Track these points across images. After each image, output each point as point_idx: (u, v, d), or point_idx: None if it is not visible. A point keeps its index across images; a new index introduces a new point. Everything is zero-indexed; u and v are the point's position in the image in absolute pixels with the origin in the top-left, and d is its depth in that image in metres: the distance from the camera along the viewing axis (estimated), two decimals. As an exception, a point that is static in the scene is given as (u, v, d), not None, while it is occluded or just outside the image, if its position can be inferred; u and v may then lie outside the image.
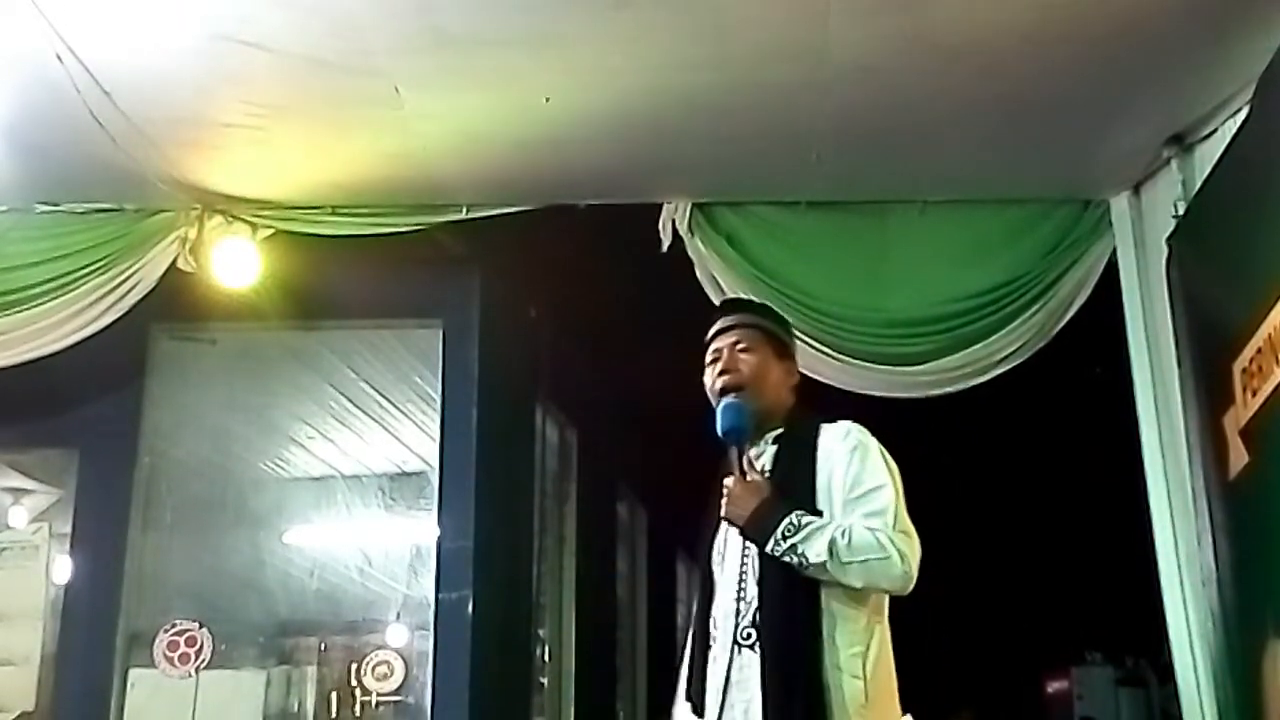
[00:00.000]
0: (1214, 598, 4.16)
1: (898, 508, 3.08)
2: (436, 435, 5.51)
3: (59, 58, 4.01)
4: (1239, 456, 3.88)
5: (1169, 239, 4.55)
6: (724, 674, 3.05)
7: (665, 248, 5.01)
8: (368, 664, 5.42)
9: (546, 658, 6.54)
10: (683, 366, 6.50)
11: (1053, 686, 10.15)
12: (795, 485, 3.13)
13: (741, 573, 3.13)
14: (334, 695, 5.45)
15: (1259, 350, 3.69)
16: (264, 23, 3.93)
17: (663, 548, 8.95)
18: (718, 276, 4.96)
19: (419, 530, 5.64)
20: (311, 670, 5.50)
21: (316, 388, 5.94)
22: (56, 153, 4.64)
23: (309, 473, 6.23)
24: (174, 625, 5.30)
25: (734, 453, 3.18)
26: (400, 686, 5.39)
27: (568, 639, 6.69)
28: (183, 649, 5.26)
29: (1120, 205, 4.94)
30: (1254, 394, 3.74)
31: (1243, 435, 3.85)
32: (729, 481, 3.15)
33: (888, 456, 3.19)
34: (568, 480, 6.95)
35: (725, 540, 3.23)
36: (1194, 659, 4.42)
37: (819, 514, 3.07)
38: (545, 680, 6.52)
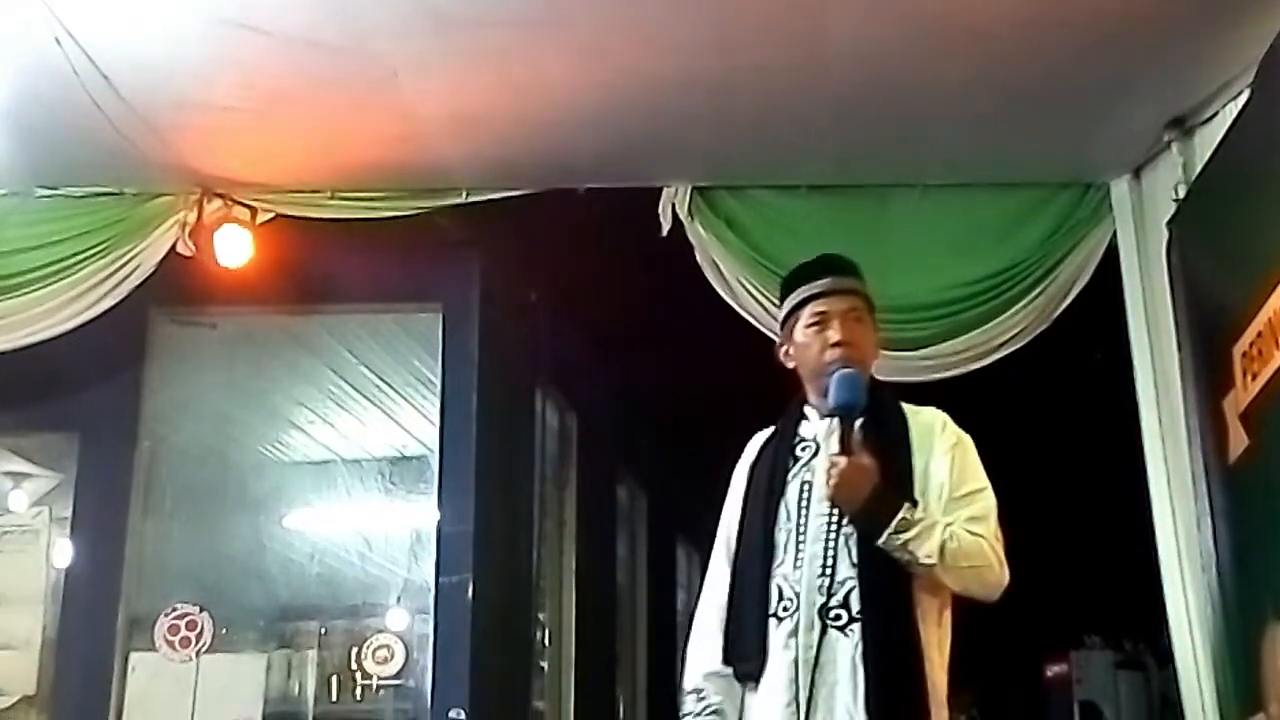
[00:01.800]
0: (1213, 582, 4.16)
1: (995, 514, 3.04)
2: (436, 419, 5.51)
3: (57, 41, 4.01)
4: (1239, 440, 3.88)
5: (1169, 223, 4.54)
6: (813, 653, 2.93)
7: (665, 232, 5.01)
8: (368, 648, 5.43)
9: (546, 641, 6.55)
10: (682, 351, 6.52)
11: (1052, 670, 10.17)
12: (893, 471, 3.00)
13: (829, 549, 2.99)
14: (334, 679, 5.47)
15: (1259, 334, 3.69)
16: (262, 6, 3.92)
17: (663, 532, 8.95)
18: (718, 260, 4.95)
19: (419, 514, 5.64)
20: (312, 654, 5.51)
21: (316, 372, 5.94)
22: (55, 136, 4.63)
23: (309, 457, 6.24)
24: (175, 609, 5.30)
25: (838, 428, 3.00)
26: (400, 670, 5.40)
27: (567, 623, 6.70)
28: (183, 633, 5.27)
29: (1120, 189, 4.93)
30: (1254, 378, 3.74)
31: (1243, 419, 3.85)
32: (838, 460, 2.95)
33: None
34: (567, 464, 6.95)
35: (801, 508, 3.08)
36: (1193, 643, 4.42)
37: (915, 503, 2.99)
38: (545, 664, 6.53)
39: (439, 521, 5.41)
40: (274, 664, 5.42)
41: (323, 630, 5.58)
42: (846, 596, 2.95)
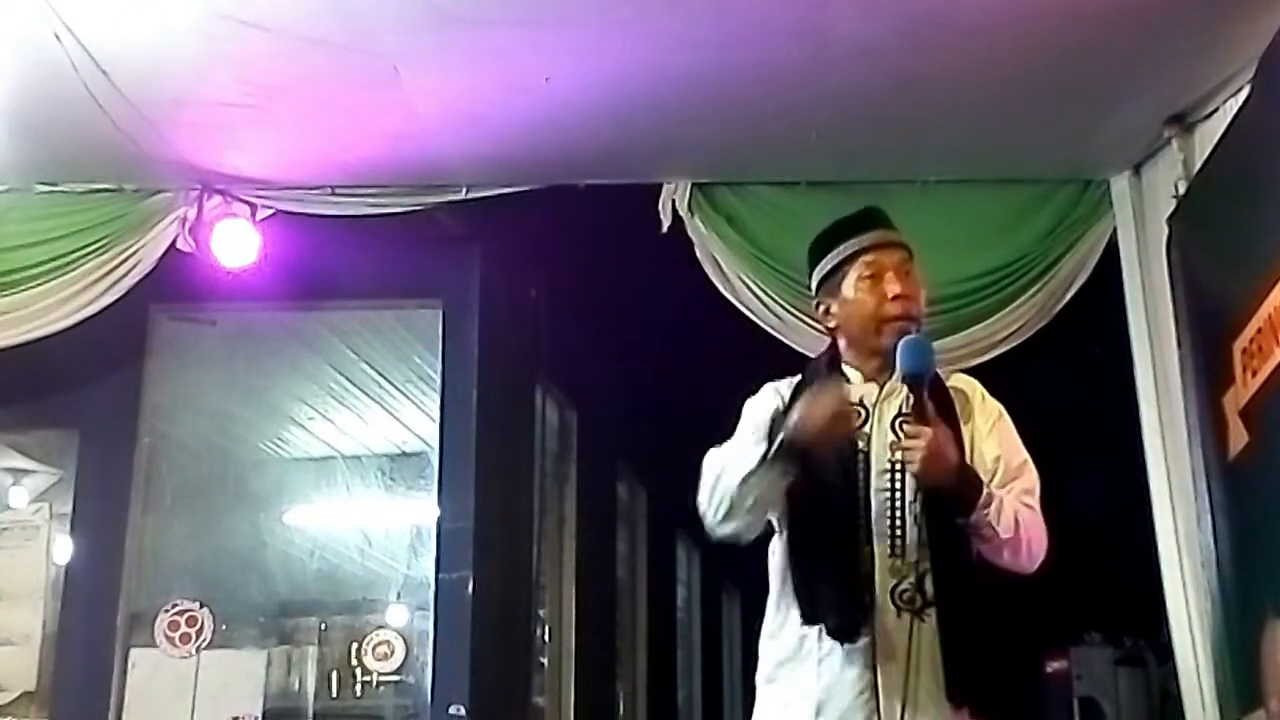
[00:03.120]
0: (1213, 578, 4.16)
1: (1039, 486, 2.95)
2: (436, 416, 5.52)
3: (57, 37, 4.00)
4: (1239, 437, 3.88)
5: (1169, 219, 4.54)
6: (890, 637, 2.79)
7: (665, 228, 5.01)
8: (368, 644, 5.43)
9: (546, 637, 6.55)
10: (682, 347, 6.51)
11: (1051, 666, 10.16)
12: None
13: (896, 528, 2.83)
14: (334, 675, 5.47)
15: (1259, 330, 3.69)
16: (263, 2, 3.91)
17: (663, 528, 8.96)
18: (717, 257, 4.95)
19: (419, 510, 5.65)
20: (312, 650, 5.52)
21: (316, 368, 5.95)
22: (55, 133, 4.62)
23: (309, 453, 6.25)
24: (175, 605, 5.31)
25: (908, 395, 2.82)
26: (400, 666, 5.41)
27: (568, 619, 6.70)
28: (183, 629, 5.28)
29: (1121, 185, 4.93)
30: (1254, 374, 3.74)
31: (1243, 415, 3.85)
32: (922, 430, 2.73)
33: None
34: (567, 460, 6.96)
35: (865, 480, 2.88)
36: (1193, 639, 4.42)
37: None
38: (545, 660, 6.54)
39: (439, 518, 5.41)
40: (274, 660, 5.42)
41: (323, 626, 5.58)
42: (920, 579, 2.82)
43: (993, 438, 2.96)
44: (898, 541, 2.84)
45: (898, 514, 2.85)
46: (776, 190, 5.04)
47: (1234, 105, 4.22)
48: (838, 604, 2.84)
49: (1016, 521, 2.82)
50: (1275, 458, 3.64)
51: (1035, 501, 2.93)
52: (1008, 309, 4.88)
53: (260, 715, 5.24)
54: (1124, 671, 9.50)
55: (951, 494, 2.78)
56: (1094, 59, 4.22)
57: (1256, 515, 3.81)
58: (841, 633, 2.83)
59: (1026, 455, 2.99)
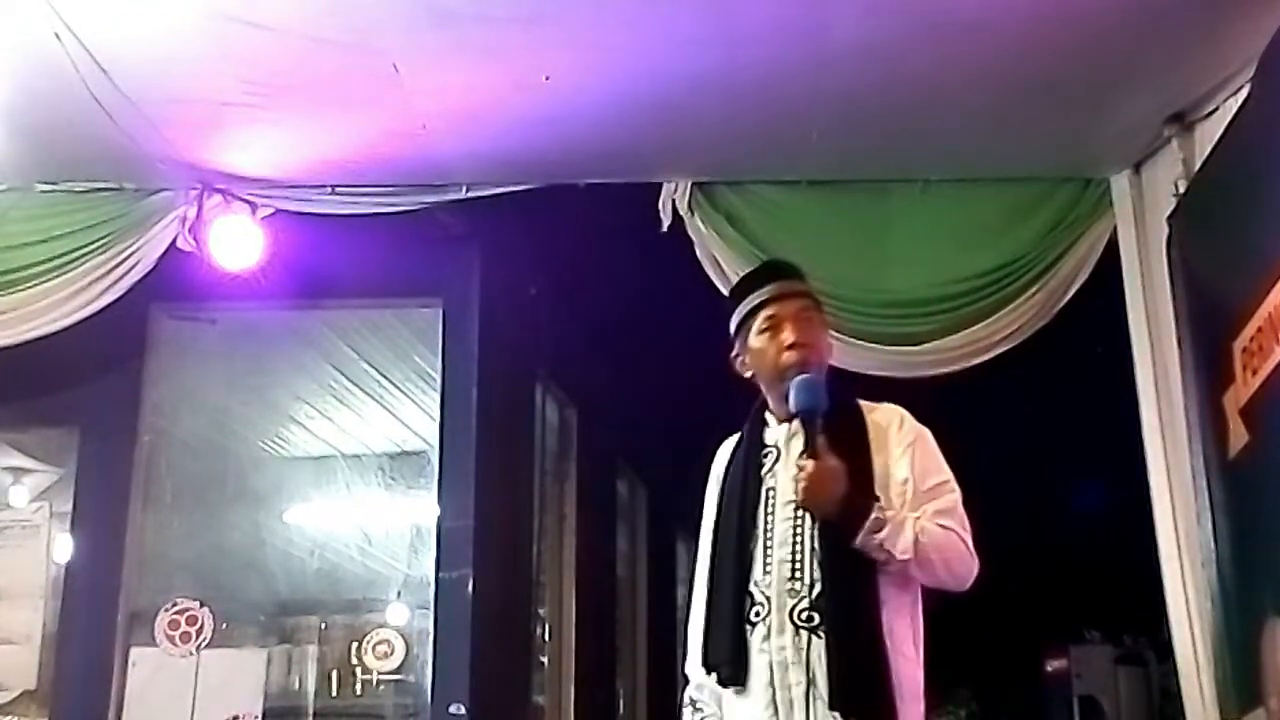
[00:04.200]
0: (1213, 576, 4.17)
1: (960, 505, 3.07)
2: (436, 414, 5.51)
3: (57, 36, 4.00)
4: (1239, 436, 3.88)
5: (1169, 218, 4.54)
6: (782, 653, 2.97)
7: (665, 227, 5.01)
8: (368, 643, 5.44)
9: (546, 636, 6.55)
10: (682, 346, 6.51)
11: (1051, 665, 10.18)
12: (854, 471, 3.00)
13: (795, 552, 3.03)
14: (335, 674, 5.48)
15: (1259, 329, 3.69)
16: (263, 1, 3.92)
17: (663, 526, 8.96)
18: (717, 256, 4.95)
19: (419, 509, 5.65)
20: (312, 649, 5.52)
21: (316, 367, 5.95)
22: (55, 132, 4.63)
23: (309, 452, 6.25)
24: (175, 604, 5.31)
25: (801, 432, 3.04)
26: (401, 665, 5.41)
27: (568, 617, 6.70)
28: (184, 628, 5.28)
29: (1121, 184, 4.93)
30: (1254, 373, 3.75)
31: (1243, 414, 3.86)
32: (806, 464, 2.95)
33: None
34: (567, 459, 6.96)
35: (767, 514, 3.10)
36: (1193, 637, 4.42)
37: (877, 499, 3.01)
38: (545, 658, 6.54)
39: (439, 516, 5.41)
40: (274, 659, 5.43)
41: (323, 625, 5.59)
42: (816, 599, 2.97)
43: (903, 461, 3.10)
44: (797, 566, 3.02)
45: (797, 541, 3.04)
46: (777, 189, 5.04)
47: (1234, 104, 4.22)
48: (714, 655, 3.10)
49: (917, 543, 2.95)
50: (1275, 457, 3.64)
51: (953, 521, 3.04)
52: (1008, 308, 4.88)
53: (260, 714, 5.23)
54: (1124, 670, 9.52)
55: (834, 521, 2.97)
56: (1094, 58, 4.22)
57: (1256, 514, 3.81)
58: (721, 680, 3.07)
59: (947, 477, 3.12)
